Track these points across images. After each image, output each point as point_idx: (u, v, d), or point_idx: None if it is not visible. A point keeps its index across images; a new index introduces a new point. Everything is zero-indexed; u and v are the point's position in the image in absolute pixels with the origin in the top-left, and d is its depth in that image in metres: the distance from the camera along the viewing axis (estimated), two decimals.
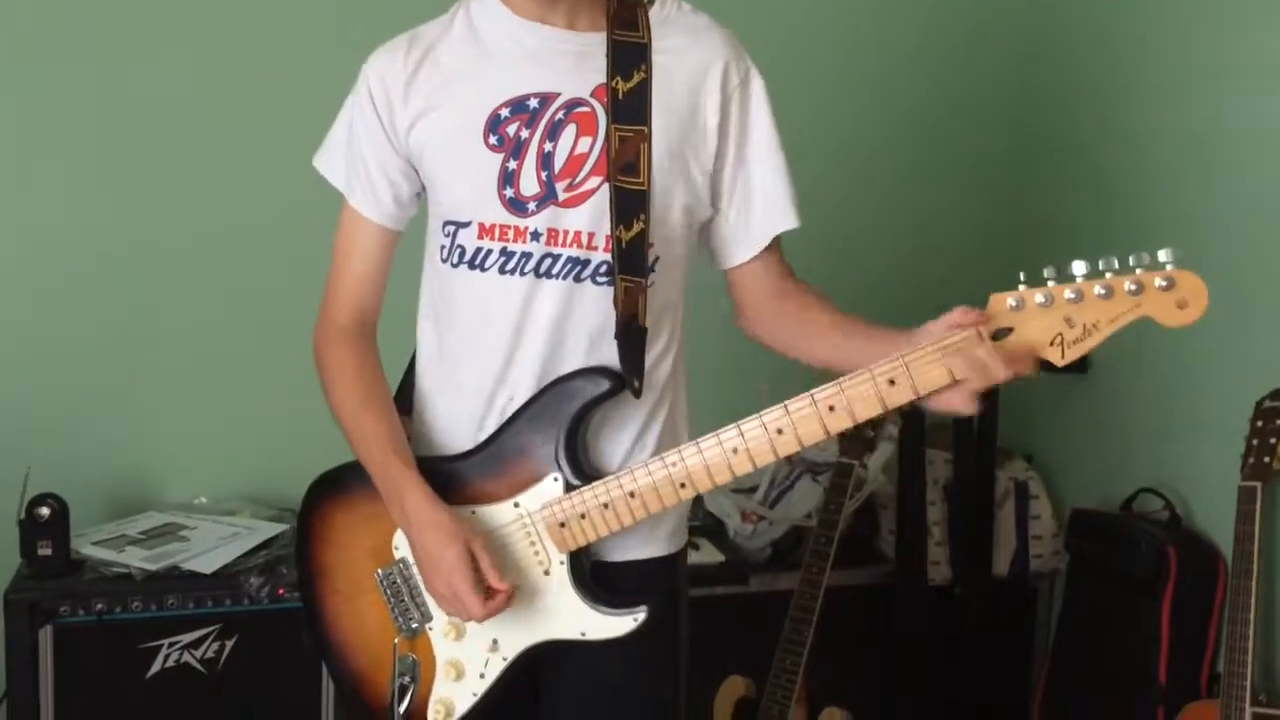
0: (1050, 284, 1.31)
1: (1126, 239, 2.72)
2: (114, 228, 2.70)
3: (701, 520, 2.79)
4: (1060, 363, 1.33)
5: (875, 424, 2.52)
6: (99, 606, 2.35)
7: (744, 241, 1.58)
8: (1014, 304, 1.32)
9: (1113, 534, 2.57)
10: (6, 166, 2.67)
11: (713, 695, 2.51)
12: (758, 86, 1.54)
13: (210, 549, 2.49)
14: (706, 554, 2.68)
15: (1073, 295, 1.30)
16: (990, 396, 2.78)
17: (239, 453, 2.79)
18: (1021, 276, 1.32)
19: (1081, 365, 2.81)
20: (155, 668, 2.39)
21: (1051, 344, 1.32)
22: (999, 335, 1.33)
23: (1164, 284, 1.27)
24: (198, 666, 2.42)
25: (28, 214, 2.68)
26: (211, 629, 2.41)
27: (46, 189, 2.68)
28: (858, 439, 2.51)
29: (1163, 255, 1.27)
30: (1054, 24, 3.02)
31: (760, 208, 1.56)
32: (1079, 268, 1.29)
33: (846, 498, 2.46)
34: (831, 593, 2.39)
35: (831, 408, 1.38)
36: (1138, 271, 1.28)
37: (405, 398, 1.64)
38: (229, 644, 2.42)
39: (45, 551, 2.39)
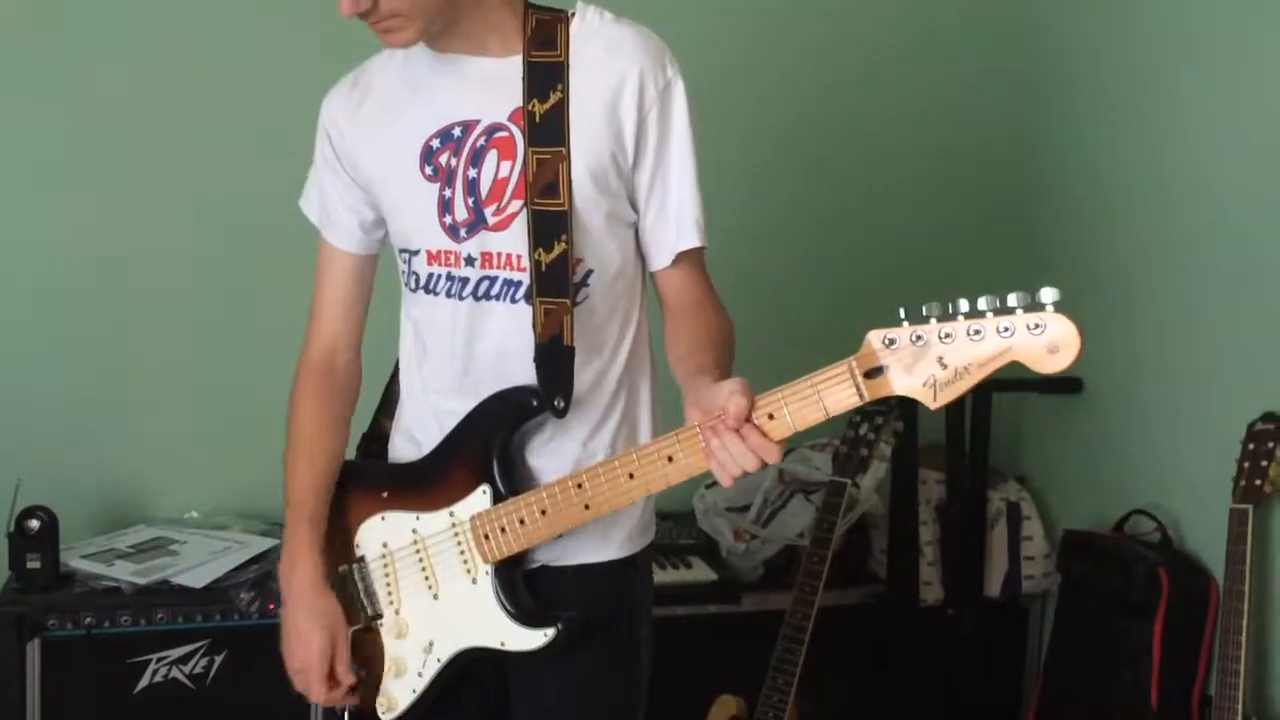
0: (931, 322, 1.25)
1: (1115, 260, 2.75)
2: (106, 242, 2.70)
3: (694, 538, 2.79)
4: (933, 406, 1.26)
5: (868, 444, 2.52)
6: (88, 620, 2.34)
7: (656, 252, 1.58)
8: (888, 341, 1.27)
9: (1105, 555, 2.57)
10: (1, 177, 2.67)
11: (704, 714, 2.50)
12: (679, 97, 1.52)
13: (200, 563, 2.48)
14: (699, 572, 2.68)
15: (947, 335, 1.24)
16: (981, 417, 2.84)
17: (230, 467, 2.78)
18: (902, 313, 1.26)
19: (1074, 386, 2.85)
20: (143, 682, 2.38)
21: (924, 385, 1.26)
22: (872, 374, 1.27)
23: (1035, 327, 1.21)
24: (186, 682, 2.40)
25: (19, 225, 2.67)
26: (200, 644, 2.40)
27: (38, 201, 2.68)
28: (851, 458, 2.51)
29: (1045, 295, 1.20)
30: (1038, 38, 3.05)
31: (674, 223, 1.56)
32: (963, 305, 1.23)
33: (839, 517, 2.46)
34: (823, 612, 2.39)
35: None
36: (1017, 313, 1.21)
37: (390, 404, 1.73)
38: (218, 659, 2.41)
39: (34, 564, 2.38)
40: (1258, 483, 2.19)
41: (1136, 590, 2.43)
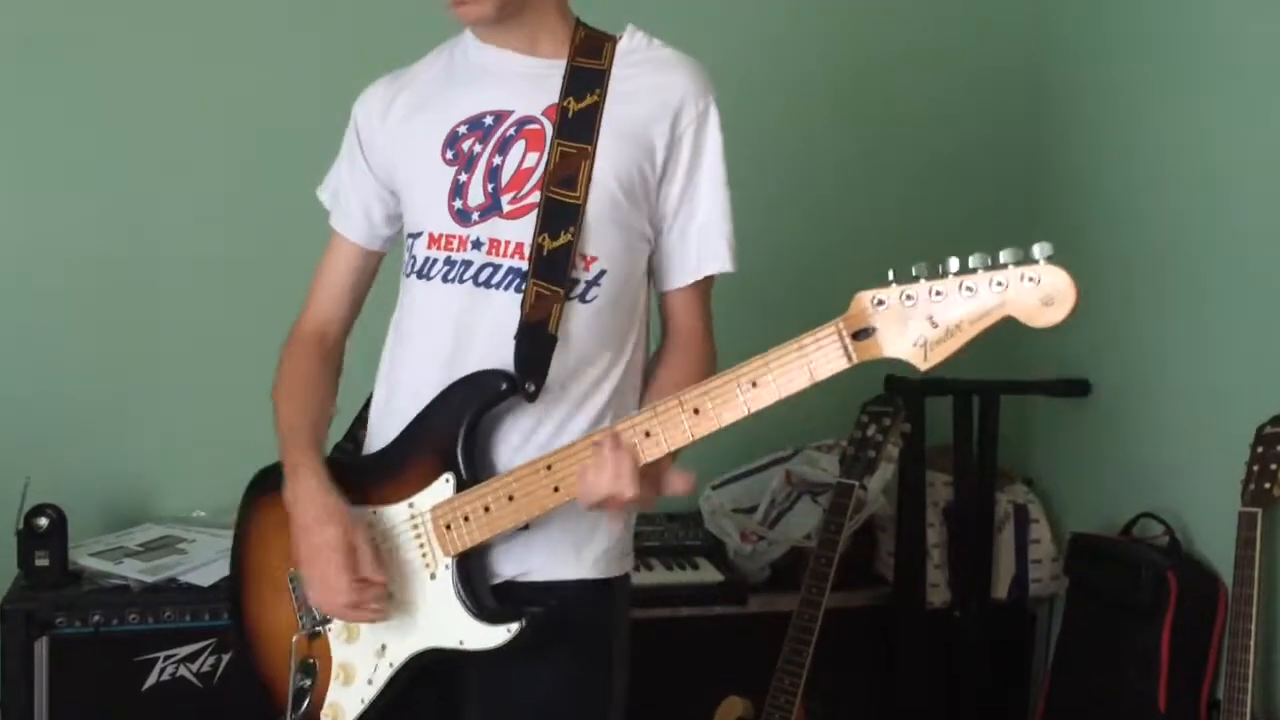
0: (920, 281, 1.21)
1: (1123, 262, 2.74)
2: (114, 240, 2.71)
3: (701, 539, 2.79)
4: (923, 366, 1.22)
5: (876, 445, 2.52)
6: (96, 618, 2.35)
7: (673, 271, 1.59)
8: (878, 302, 1.23)
9: (1112, 559, 2.56)
10: (6, 177, 2.68)
11: (710, 715, 2.50)
12: (713, 123, 1.56)
13: (208, 562, 2.49)
14: (705, 573, 2.68)
15: (938, 292, 1.20)
16: (989, 419, 2.83)
17: (237, 466, 2.72)
18: (891, 274, 1.23)
19: (1082, 388, 2.85)
20: (151, 680, 2.39)
21: (914, 345, 1.21)
22: (861, 335, 1.23)
23: (1029, 280, 1.16)
24: (193, 680, 2.41)
25: (27, 224, 2.68)
26: (208, 642, 2.41)
27: (45, 200, 2.69)
28: (858, 460, 2.51)
29: (1037, 250, 1.17)
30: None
31: (695, 244, 1.57)
32: (953, 264, 1.20)
33: (846, 519, 2.45)
34: (830, 614, 2.38)
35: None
36: (1009, 267, 1.18)
37: (366, 418, 1.69)
38: (225, 658, 2.41)
39: (43, 562, 2.39)
40: (1267, 486, 2.18)
41: (1144, 593, 2.42)
